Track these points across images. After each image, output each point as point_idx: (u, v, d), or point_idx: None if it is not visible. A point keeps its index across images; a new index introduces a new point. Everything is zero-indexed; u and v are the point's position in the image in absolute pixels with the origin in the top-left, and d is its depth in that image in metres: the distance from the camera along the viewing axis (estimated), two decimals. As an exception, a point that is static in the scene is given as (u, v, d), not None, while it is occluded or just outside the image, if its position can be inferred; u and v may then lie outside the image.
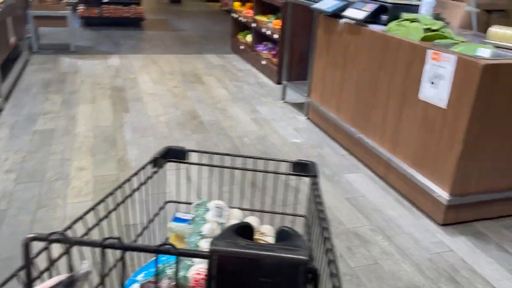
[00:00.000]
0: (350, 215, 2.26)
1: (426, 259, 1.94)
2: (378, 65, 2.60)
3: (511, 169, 2.16)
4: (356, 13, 2.80)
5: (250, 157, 1.17)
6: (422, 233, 2.12)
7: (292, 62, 4.43)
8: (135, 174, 1.05)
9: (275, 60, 4.69)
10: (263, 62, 4.92)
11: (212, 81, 4.58)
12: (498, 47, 2.21)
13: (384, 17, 2.71)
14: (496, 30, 2.23)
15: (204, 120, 3.48)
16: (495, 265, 1.92)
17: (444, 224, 2.19)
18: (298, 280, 0.63)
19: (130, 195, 1.02)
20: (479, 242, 2.07)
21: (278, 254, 0.64)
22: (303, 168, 1.15)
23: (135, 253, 1.04)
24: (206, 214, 1.12)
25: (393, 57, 2.45)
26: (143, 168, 1.09)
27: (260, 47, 5.11)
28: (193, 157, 2.48)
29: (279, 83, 4.58)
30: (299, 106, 3.94)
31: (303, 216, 1.23)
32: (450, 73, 2.04)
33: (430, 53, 2.16)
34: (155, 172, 1.14)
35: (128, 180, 1.02)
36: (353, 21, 2.86)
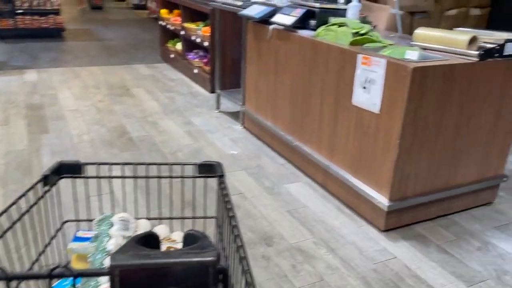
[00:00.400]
0: (293, 229, 2.16)
1: (371, 270, 1.89)
2: (310, 71, 2.54)
3: (444, 169, 2.18)
4: (284, 18, 2.73)
5: (152, 164, 1.15)
6: (365, 242, 2.08)
7: (225, 70, 4.30)
8: (22, 196, 0.95)
9: (207, 68, 4.54)
10: (195, 71, 4.76)
11: (141, 93, 4.34)
12: (424, 49, 2.23)
13: (313, 22, 2.67)
14: (421, 32, 2.26)
15: (134, 136, 3.25)
16: (438, 268, 1.91)
17: (385, 230, 2.16)
18: (208, 282, 0.63)
19: (19, 219, 0.94)
20: (421, 246, 2.06)
21: (185, 259, 0.63)
22: (209, 169, 1.16)
23: (31, 283, 0.96)
24: (110, 229, 1.07)
25: (324, 62, 2.40)
26: (32, 188, 0.99)
27: (191, 55, 4.94)
28: (108, 170, 2.27)
29: (212, 92, 4.44)
30: (234, 115, 3.82)
31: (214, 217, 1.24)
32: (381, 77, 2.02)
33: (360, 57, 2.13)
34: (47, 191, 1.04)
35: (14, 203, 0.91)
36: (281, 27, 2.79)
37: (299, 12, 2.69)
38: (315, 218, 2.26)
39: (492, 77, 2.10)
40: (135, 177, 1.18)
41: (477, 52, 1.99)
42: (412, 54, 2.08)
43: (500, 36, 2.16)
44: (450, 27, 3.46)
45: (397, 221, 2.17)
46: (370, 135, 2.14)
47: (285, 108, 2.87)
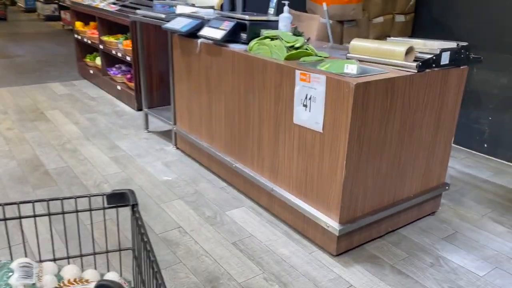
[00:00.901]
0: (240, 264, 1.97)
1: (329, 304, 1.75)
2: (245, 88, 2.37)
3: (390, 184, 2.12)
4: (213, 32, 2.54)
5: (53, 200, 1.08)
6: (319, 271, 1.94)
7: (152, 86, 4.01)
8: None
9: (131, 84, 4.21)
10: (119, 87, 4.40)
11: (58, 116, 3.90)
12: (361, 61, 2.15)
13: (244, 35, 2.50)
14: (357, 44, 2.18)
15: (50, 168, 2.86)
16: (395, 293, 1.82)
17: (338, 254, 2.04)
18: None
19: None
20: (375, 268, 1.96)
21: None
22: (120, 199, 1.11)
23: None
24: (10, 279, 0.97)
25: (260, 79, 2.24)
26: None
27: (112, 71, 4.57)
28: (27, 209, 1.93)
29: (140, 109, 4.12)
30: (166, 135, 3.54)
31: (129, 249, 1.19)
32: (321, 94, 1.89)
33: (298, 74, 1.99)
34: None
35: None
36: (211, 41, 2.59)
37: (227, 25, 2.51)
38: (263, 249, 2.08)
39: (431, 87, 2.06)
40: (35, 216, 1.07)
41: (415, 64, 1.94)
42: (350, 68, 1.98)
43: (431, 45, 2.14)
44: (378, 34, 3.48)
45: (348, 244, 2.06)
46: (315, 156, 2.01)
47: (221, 127, 2.67)
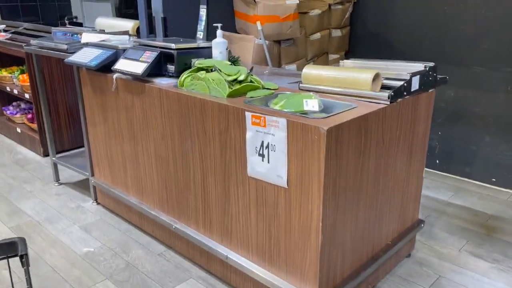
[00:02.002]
0: None
1: None
2: (181, 133, 1.91)
3: (369, 234, 1.78)
4: (131, 65, 2.04)
5: None
6: None
7: (61, 125, 3.37)
8: None
9: (34, 125, 3.51)
10: (19, 130, 3.67)
11: None
12: (316, 91, 1.79)
13: (171, 67, 2.04)
14: (311, 72, 1.82)
15: None
16: None
17: (319, 334, 1.65)
18: None
19: None
20: None
21: None
22: (8, 249, 1.09)
23: None
24: None
25: (199, 122, 1.80)
26: None
27: (9, 110, 3.82)
28: None
29: (46, 154, 3.44)
30: (82, 186, 2.93)
31: None
32: (282, 142, 1.50)
33: (249, 116, 1.58)
34: None
35: None
36: (130, 77, 2.10)
37: (149, 56, 2.03)
38: None
39: (403, 117, 1.77)
40: None
41: (386, 94, 1.62)
42: (311, 104, 1.61)
43: (395, 68, 1.85)
44: (316, 52, 3.19)
45: (330, 318, 1.68)
46: (279, 216, 1.60)
47: (153, 179, 2.17)
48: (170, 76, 2.07)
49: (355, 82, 1.70)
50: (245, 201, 1.72)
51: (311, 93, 1.70)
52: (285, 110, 1.59)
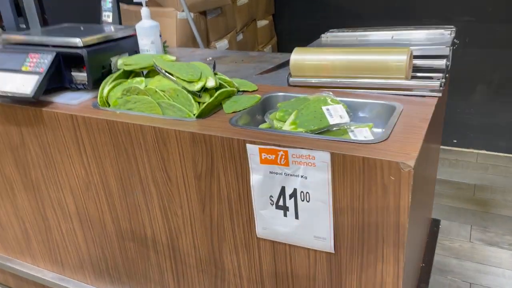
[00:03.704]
0: None
1: None
2: (123, 180, 1.20)
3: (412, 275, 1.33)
4: (10, 81, 1.23)
5: None
6: None
7: None
8: None
9: None
10: None
11: None
12: (319, 87, 1.23)
13: (80, 76, 1.28)
14: (301, 59, 1.24)
15: None
16: None
17: None
18: None
19: None
20: None
21: None
22: None
23: None
24: None
25: (156, 163, 1.11)
26: None
27: None
28: None
29: None
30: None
31: None
32: (324, 188, 0.92)
33: (256, 151, 0.96)
34: None
35: None
36: (7, 100, 1.28)
37: (39, 61, 1.23)
38: None
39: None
40: None
41: (437, 83, 1.12)
42: (336, 113, 1.05)
43: (413, 37, 1.37)
44: (245, 19, 2.58)
45: None
46: (318, 290, 1.05)
47: (79, 246, 1.43)
48: (78, 89, 1.31)
49: (380, 68, 1.17)
50: (253, 274, 1.12)
51: (324, 94, 1.13)
52: (303, 130, 1.00)
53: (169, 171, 1.10)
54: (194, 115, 1.10)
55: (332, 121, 1.03)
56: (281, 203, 0.99)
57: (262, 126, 1.12)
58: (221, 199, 1.07)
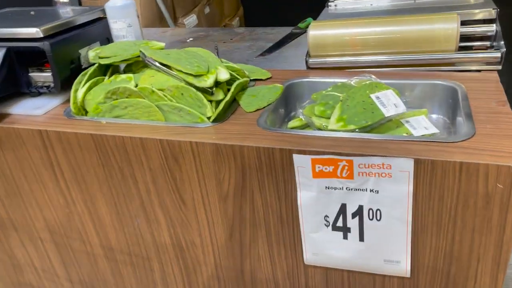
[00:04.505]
0: None
1: None
2: (118, 208, 0.93)
3: None
4: None
5: None
6: None
7: None
8: None
9: None
10: None
11: None
12: (349, 68, 1.02)
13: (43, 76, 0.97)
14: (324, 34, 1.01)
15: None
16: None
17: None
18: None
19: None
20: None
21: None
22: None
23: None
24: None
25: (164, 182, 0.86)
26: None
27: None
28: None
29: None
30: None
31: None
32: (402, 203, 0.71)
33: (308, 162, 0.73)
34: None
35: None
36: None
37: (-16, 60, 0.92)
38: None
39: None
40: None
41: (498, 53, 0.93)
42: (389, 101, 0.85)
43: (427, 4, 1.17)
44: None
45: None
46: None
47: (59, 282, 1.16)
48: (40, 94, 1.01)
49: (424, 40, 0.96)
50: (298, 302, 0.92)
51: (366, 77, 0.92)
52: (355, 128, 0.79)
53: (183, 193, 0.86)
54: (208, 118, 0.85)
55: (387, 112, 0.82)
56: (339, 223, 0.78)
57: (293, 124, 0.89)
58: (255, 223, 0.84)
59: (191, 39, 1.46)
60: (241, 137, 0.78)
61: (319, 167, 0.73)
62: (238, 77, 0.96)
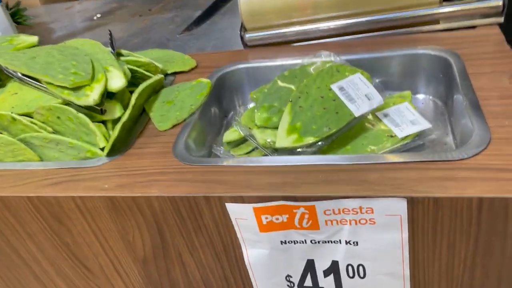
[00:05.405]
0: None
1: None
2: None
3: None
4: None
5: None
6: None
7: None
8: None
9: None
10: None
11: None
12: (270, 43, 0.75)
13: None
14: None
15: None
16: None
17: None
18: None
19: None
20: None
21: None
22: None
23: None
24: None
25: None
26: None
27: None
28: None
29: None
30: None
31: None
32: (395, 253, 0.49)
33: (250, 212, 0.48)
34: None
35: None
36: None
37: None
38: None
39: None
40: None
41: (500, 1, 0.68)
42: (368, 92, 0.59)
43: None
44: None
45: None
46: None
47: None
48: None
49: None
50: None
51: (324, 58, 0.65)
52: (314, 139, 0.54)
53: (85, 260, 0.60)
54: (101, 149, 0.58)
55: (356, 109, 0.57)
56: (308, 283, 0.55)
57: (229, 137, 0.63)
58: (192, 286, 0.60)
59: (98, 15, 1.14)
60: (147, 182, 0.52)
61: (267, 218, 0.48)
62: (146, 74, 0.68)
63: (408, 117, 0.60)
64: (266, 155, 0.58)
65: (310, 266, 0.52)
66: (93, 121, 0.59)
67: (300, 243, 0.50)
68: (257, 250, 0.52)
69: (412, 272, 0.50)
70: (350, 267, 0.51)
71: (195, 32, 0.93)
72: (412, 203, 0.44)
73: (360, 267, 0.51)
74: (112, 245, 0.57)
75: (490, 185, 0.42)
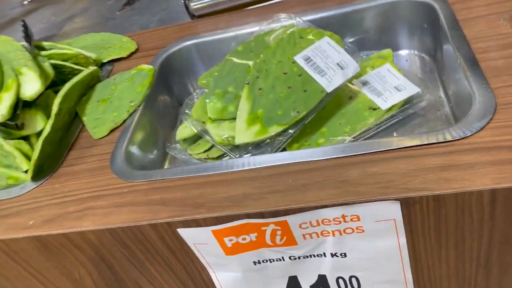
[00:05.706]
0: None
1: None
2: None
3: None
4: None
5: None
6: None
7: None
8: None
9: None
10: None
11: None
12: (218, 11, 0.63)
13: None
14: None
15: None
16: None
17: None
18: None
19: None
20: None
21: None
22: None
23: None
24: None
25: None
26: None
27: None
28: None
29: None
30: None
31: None
32: (392, 265, 0.40)
33: (207, 240, 0.39)
34: None
35: None
36: None
37: None
38: None
39: None
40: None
41: None
42: (341, 60, 0.48)
43: None
44: None
45: None
46: None
47: None
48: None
49: None
50: None
51: (284, 22, 0.54)
52: (280, 128, 0.44)
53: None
54: (25, 172, 0.47)
55: (328, 82, 0.46)
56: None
57: (182, 133, 0.53)
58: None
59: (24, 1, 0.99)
60: (80, 211, 0.41)
61: (231, 240, 0.39)
62: (78, 67, 0.56)
63: (391, 82, 0.50)
64: (226, 153, 0.48)
65: (293, 283, 0.44)
66: (12, 138, 0.48)
67: (276, 260, 0.41)
68: (227, 273, 0.43)
69: (415, 276, 0.41)
70: (341, 280, 0.42)
71: (136, 7, 0.80)
72: (407, 204, 0.34)
73: (353, 279, 0.42)
74: (59, 285, 0.48)
75: (504, 170, 0.33)
